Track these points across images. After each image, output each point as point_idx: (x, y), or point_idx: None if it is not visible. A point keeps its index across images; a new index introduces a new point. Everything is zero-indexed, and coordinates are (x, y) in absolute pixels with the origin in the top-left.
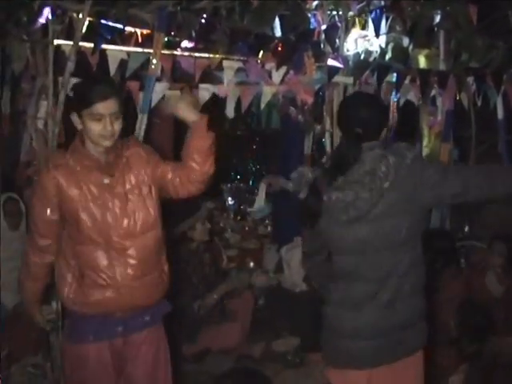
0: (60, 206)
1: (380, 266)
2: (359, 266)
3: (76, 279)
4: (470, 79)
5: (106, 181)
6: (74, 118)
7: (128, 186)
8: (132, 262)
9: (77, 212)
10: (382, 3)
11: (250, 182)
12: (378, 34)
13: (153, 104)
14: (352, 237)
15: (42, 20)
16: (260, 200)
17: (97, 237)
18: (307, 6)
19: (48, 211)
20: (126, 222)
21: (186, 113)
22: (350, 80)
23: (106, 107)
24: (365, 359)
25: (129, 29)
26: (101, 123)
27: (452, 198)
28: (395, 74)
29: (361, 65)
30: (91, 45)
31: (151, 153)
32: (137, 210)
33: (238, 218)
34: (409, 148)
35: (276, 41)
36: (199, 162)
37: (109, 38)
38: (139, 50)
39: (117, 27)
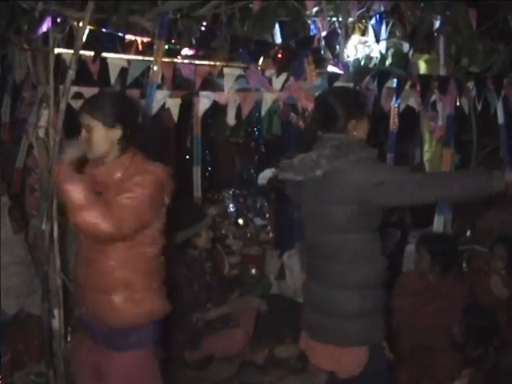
0: None
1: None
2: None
3: None
4: (471, 84)
5: None
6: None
7: None
8: None
9: None
10: (382, 9)
11: (252, 189)
12: (378, 40)
13: (153, 111)
14: (304, 212)
15: (42, 28)
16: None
17: None
18: (307, 13)
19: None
20: None
21: None
22: (351, 86)
23: None
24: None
25: (129, 37)
26: None
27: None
28: (395, 80)
29: (361, 71)
30: (92, 53)
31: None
32: None
33: (240, 224)
34: (367, 149)
35: (276, 47)
36: None
37: (109, 46)
38: (140, 57)
39: (117, 35)
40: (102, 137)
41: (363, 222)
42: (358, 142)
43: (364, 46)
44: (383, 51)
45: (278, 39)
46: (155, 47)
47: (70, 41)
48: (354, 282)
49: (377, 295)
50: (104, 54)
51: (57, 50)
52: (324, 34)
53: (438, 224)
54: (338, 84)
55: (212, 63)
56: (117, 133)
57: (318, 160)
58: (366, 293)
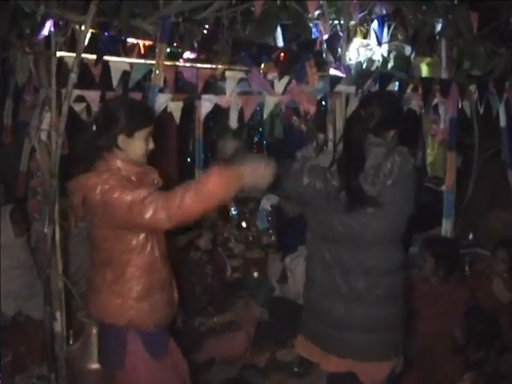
0: None
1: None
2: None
3: None
4: (473, 87)
5: None
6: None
7: None
8: None
9: None
10: (384, 12)
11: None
12: (379, 43)
13: (155, 115)
14: (344, 225)
15: (44, 32)
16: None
17: None
18: (309, 16)
19: None
20: None
21: None
22: (353, 89)
23: None
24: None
25: (131, 40)
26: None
27: None
28: (397, 83)
29: (363, 74)
30: (94, 56)
31: None
32: None
33: (242, 227)
34: (410, 154)
35: (278, 51)
36: None
37: (111, 49)
38: (142, 61)
39: (119, 39)
40: None
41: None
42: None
43: (366, 49)
44: (385, 54)
45: (280, 42)
46: (157, 50)
47: (72, 44)
48: (380, 296)
49: (400, 308)
50: (106, 58)
51: (59, 54)
52: (326, 37)
53: (446, 227)
54: (339, 87)
55: (214, 66)
56: None
57: (392, 168)
58: (394, 306)
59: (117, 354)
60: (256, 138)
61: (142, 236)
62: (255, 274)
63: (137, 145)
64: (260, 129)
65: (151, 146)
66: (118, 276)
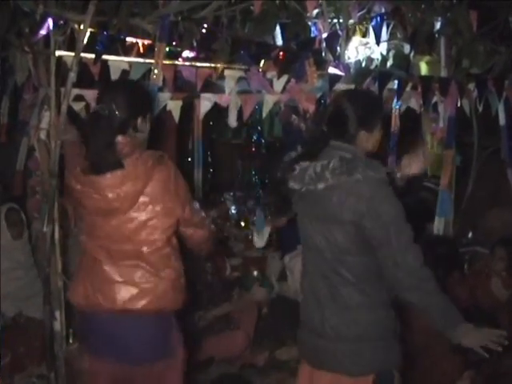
0: None
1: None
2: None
3: None
4: (472, 85)
5: None
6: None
7: None
8: None
9: None
10: (383, 10)
11: (253, 191)
12: (378, 42)
13: (154, 114)
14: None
15: (43, 31)
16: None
17: None
18: (308, 15)
19: None
20: None
21: None
22: (352, 88)
23: None
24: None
25: (130, 39)
26: None
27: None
28: (396, 81)
29: (362, 72)
30: (93, 55)
31: None
32: None
33: (242, 226)
34: (376, 168)
35: (277, 49)
36: None
37: (110, 48)
38: (141, 60)
39: (118, 38)
40: None
41: (366, 245)
42: (367, 157)
43: (365, 48)
44: (384, 53)
45: (279, 41)
46: (156, 49)
47: (71, 43)
48: (374, 304)
49: (393, 316)
50: (105, 57)
51: (58, 53)
52: (325, 35)
53: (439, 225)
54: (339, 86)
55: (213, 65)
56: None
57: (322, 172)
58: (387, 314)
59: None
60: (255, 137)
61: None
62: (255, 273)
63: None
64: (259, 127)
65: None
66: None
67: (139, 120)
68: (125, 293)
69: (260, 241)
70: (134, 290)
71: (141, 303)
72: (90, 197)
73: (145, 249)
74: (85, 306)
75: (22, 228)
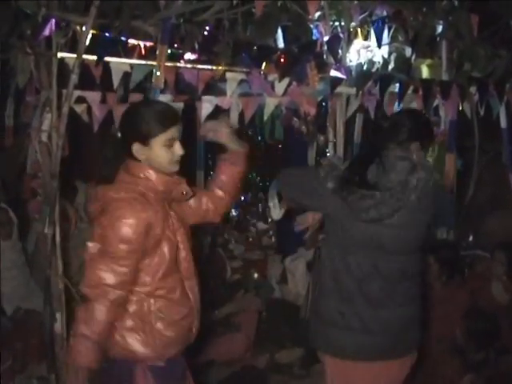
0: None
1: (389, 269)
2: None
3: None
4: (473, 89)
5: None
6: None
7: None
8: None
9: None
10: (385, 13)
11: (254, 194)
12: (380, 45)
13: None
14: (368, 236)
15: (45, 33)
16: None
17: None
18: (309, 17)
19: None
20: None
21: (229, 139)
22: (353, 91)
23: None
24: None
25: (132, 41)
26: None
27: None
28: (398, 85)
29: (363, 75)
30: (95, 57)
31: None
32: None
33: (242, 228)
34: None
35: (279, 52)
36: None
37: (112, 50)
38: (142, 62)
39: (120, 40)
40: None
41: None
42: None
43: (366, 51)
44: (386, 56)
45: (281, 44)
46: (158, 52)
47: (72, 45)
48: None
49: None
50: (107, 59)
51: (60, 55)
52: (326, 38)
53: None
54: (339, 88)
55: (214, 68)
56: None
57: (417, 184)
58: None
59: None
60: (256, 140)
61: None
62: (255, 276)
63: (157, 154)
64: (260, 130)
65: (179, 151)
66: None
67: None
68: None
69: (276, 212)
70: None
71: None
72: None
73: None
74: None
75: (11, 228)
